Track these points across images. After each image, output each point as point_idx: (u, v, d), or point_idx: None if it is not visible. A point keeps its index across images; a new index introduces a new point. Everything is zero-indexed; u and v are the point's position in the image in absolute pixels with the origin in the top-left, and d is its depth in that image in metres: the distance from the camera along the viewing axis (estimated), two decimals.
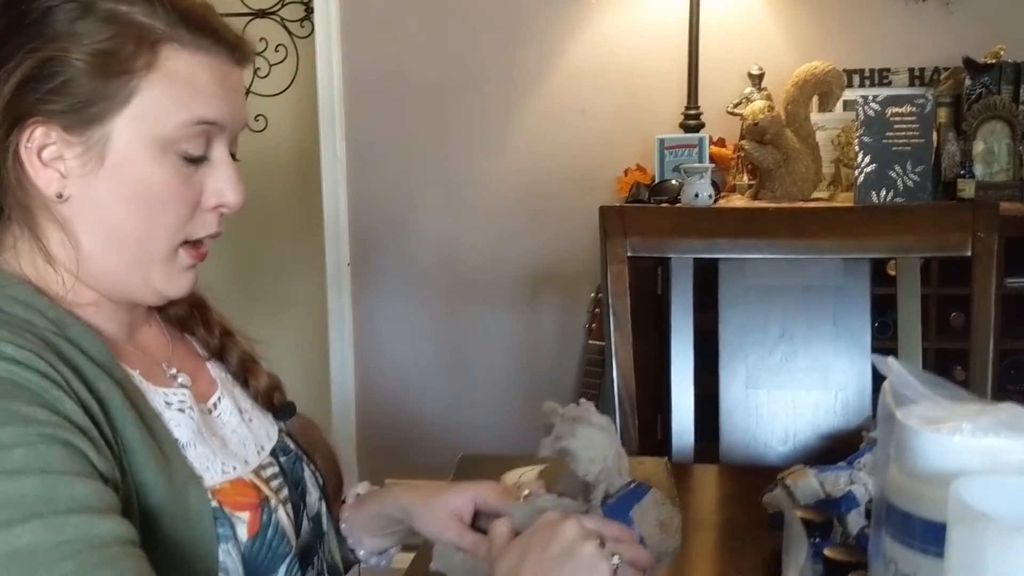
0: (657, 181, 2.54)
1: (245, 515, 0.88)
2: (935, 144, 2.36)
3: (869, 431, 1.25)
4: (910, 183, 2.30)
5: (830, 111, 2.55)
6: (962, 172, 2.38)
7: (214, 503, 0.86)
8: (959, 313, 2.28)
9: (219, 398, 0.97)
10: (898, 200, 2.30)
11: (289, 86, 3.57)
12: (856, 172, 2.33)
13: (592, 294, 2.80)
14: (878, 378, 1.49)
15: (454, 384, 3.04)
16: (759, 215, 1.79)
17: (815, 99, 2.50)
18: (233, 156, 0.90)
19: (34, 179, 0.82)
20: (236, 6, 3.43)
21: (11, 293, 0.82)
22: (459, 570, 0.94)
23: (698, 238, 1.53)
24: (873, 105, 2.30)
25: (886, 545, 0.63)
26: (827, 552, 0.88)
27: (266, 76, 3.58)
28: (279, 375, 1.07)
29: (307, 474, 1.02)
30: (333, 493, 1.08)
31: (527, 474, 1.24)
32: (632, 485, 0.93)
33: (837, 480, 1.10)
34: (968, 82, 2.44)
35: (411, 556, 1.09)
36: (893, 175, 2.31)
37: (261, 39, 3.54)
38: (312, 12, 3.26)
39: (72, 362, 0.79)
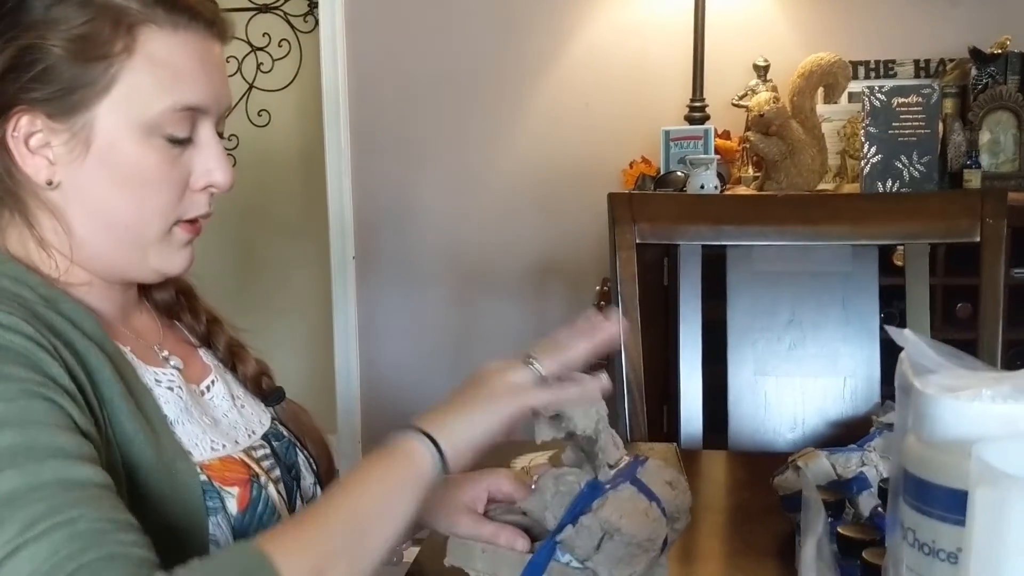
0: (663, 173, 2.54)
1: (234, 490, 0.88)
2: (941, 134, 2.36)
3: (879, 416, 1.25)
4: (916, 173, 2.30)
5: (835, 103, 2.55)
6: (968, 162, 2.38)
7: (203, 477, 0.86)
8: (965, 304, 2.28)
9: (212, 382, 0.98)
10: (904, 191, 2.30)
11: (292, 81, 3.58)
12: (862, 162, 2.32)
13: (597, 287, 2.80)
14: (887, 364, 1.50)
15: (459, 377, 3.01)
16: (767, 202, 1.79)
17: (820, 90, 2.50)
18: (221, 135, 0.91)
19: (23, 167, 0.83)
20: (239, 1, 3.43)
21: (2, 269, 0.82)
22: (479, 562, 0.93)
23: (706, 225, 1.53)
24: (879, 95, 2.30)
25: (904, 514, 0.63)
26: (841, 529, 0.88)
27: (269, 71, 3.58)
28: (284, 369, 1.08)
29: (301, 459, 1.02)
30: (324, 476, 1.08)
31: (536, 459, 1.24)
32: (631, 457, 0.94)
33: (848, 462, 1.09)
34: (974, 72, 2.44)
35: (416, 550, 1.08)
36: (899, 165, 2.30)
37: (264, 34, 3.54)
38: (315, 7, 3.26)
39: (62, 334, 0.80)
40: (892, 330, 0.69)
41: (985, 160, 2.41)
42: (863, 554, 0.83)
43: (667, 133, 2.58)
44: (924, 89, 2.31)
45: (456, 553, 0.95)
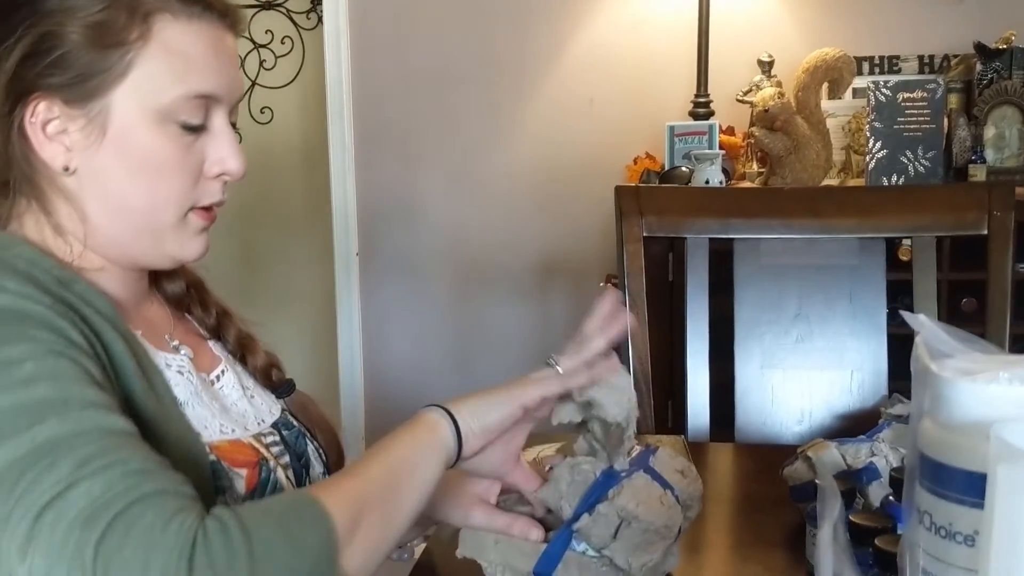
0: (667, 169, 2.54)
1: (243, 471, 0.89)
2: (946, 130, 2.35)
3: (887, 409, 1.25)
4: (921, 168, 2.30)
5: (840, 98, 2.55)
6: (973, 157, 2.38)
7: (212, 457, 0.87)
8: (971, 299, 2.28)
9: (222, 371, 0.99)
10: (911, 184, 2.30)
11: (295, 78, 3.58)
12: (867, 157, 2.32)
13: (601, 283, 2.80)
14: (894, 358, 1.50)
15: (463, 373, 3.04)
16: (774, 195, 1.79)
17: (825, 86, 2.50)
18: (233, 126, 0.92)
19: (40, 153, 0.84)
20: None
21: (16, 252, 0.83)
22: (491, 552, 0.93)
23: (713, 218, 1.53)
24: (884, 91, 2.30)
25: (920, 498, 0.63)
26: (853, 517, 0.88)
27: (272, 68, 3.59)
28: (287, 365, 1.08)
29: (311, 448, 1.02)
30: (334, 465, 1.08)
31: (545, 451, 1.24)
32: (642, 447, 0.94)
33: (858, 452, 1.09)
34: (979, 68, 2.44)
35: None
36: (904, 160, 2.30)
37: (267, 31, 3.55)
38: (318, 4, 3.26)
39: (77, 311, 0.81)
40: (907, 315, 0.69)
41: (990, 155, 2.41)
42: (875, 541, 0.83)
43: (672, 129, 2.58)
44: (929, 84, 2.31)
45: (468, 544, 0.95)
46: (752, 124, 2.52)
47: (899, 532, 0.85)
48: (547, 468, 0.96)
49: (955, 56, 2.60)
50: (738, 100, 2.65)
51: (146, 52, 0.83)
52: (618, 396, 0.90)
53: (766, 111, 2.42)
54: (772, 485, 1.17)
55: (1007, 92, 2.40)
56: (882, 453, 1.09)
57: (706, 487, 1.00)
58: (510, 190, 2.98)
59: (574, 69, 2.88)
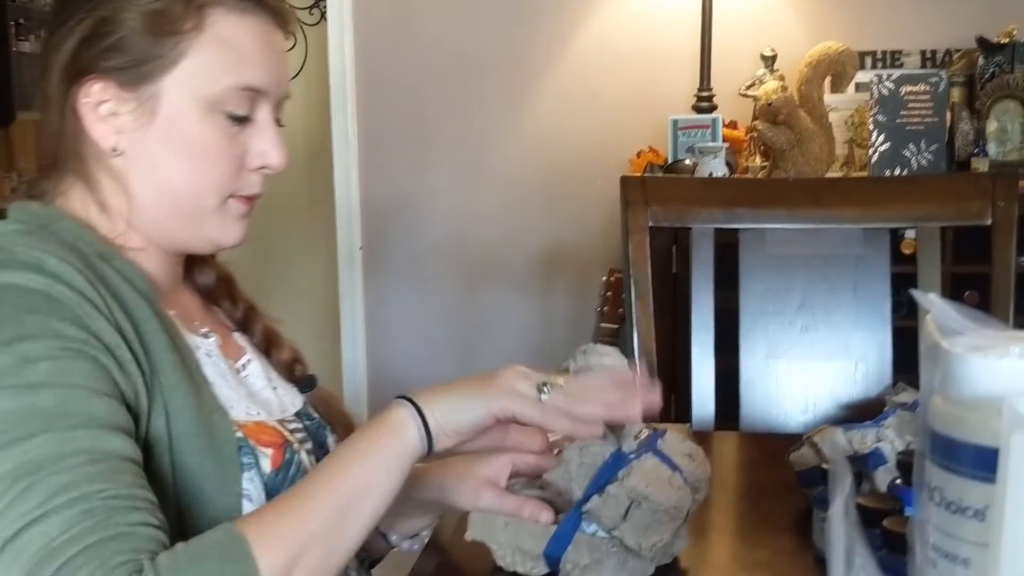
0: (671, 162, 2.54)
1: (268, 451, 0.90)
2: (948, 123, 2.36)
3: (892, 397, 1.26)
4: (924, 162, 2.31)
5: (843, 92, 2.56)
6: (976, 151, 2.38)
7: (239, 434, 0.88)
8: (973, 291, 2.28)
9: (248, 360, 1.00)
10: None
11: (298, 73, 3.58)
12: (870, 151, 2.33)
13: (604, 277, 2.80)
14: (898, 347, 1.50)
15: (466, 367, 3.04)
16: (779, 185, 1.79)
17: (828, 80, 2.51)
18: (278, 122, 0.94)
19: (90, 132, 0.87)
20: None
21: (62, 224, 0.87)
22: (501, 534, 0.94)
23: (719, 208, 1.53)
24: (887, 84, 2.31)
25: (930, 474, 0.63)
26: (861, 500, 0.88)
27: None
28: None
29: (331, 440, 1.03)
30: None
31: (552, 435, 1.24)
32: (650, 430, 0.94)
33: (864, 438, 1.10)
34: (981, 61, 2.44)
35: None
36: (907, 154, 2.31)
37: None
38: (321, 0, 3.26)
39: (112, 286, 0.83)
40: (917, 294, 0.70)
41: (992, 149, 2.41)
42: (884, 523, 0.83)
43: (675, 122, 2.58)
44: (932, 77, 2.32)
45: (478, 527, 0.95)
46: (755, 118, 2.52)
47: (906, 514, 0.85)
48: (556, 451, 0.96)
49: (957, 51, 2.61)
50: (741, 94, 2.65)
51: (199, 42, 0.86)
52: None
53: (769, 105, 2.42)
54: (778, 472, 1.17)
55: (1009, 86, 2.41)
56: (888, 439, 1.09)
57: (712, 474, 1.01)
58: (513, 184, 2.98)
59: (578, 63, 2.89)
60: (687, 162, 2.45)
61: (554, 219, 2.97)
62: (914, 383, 1.23)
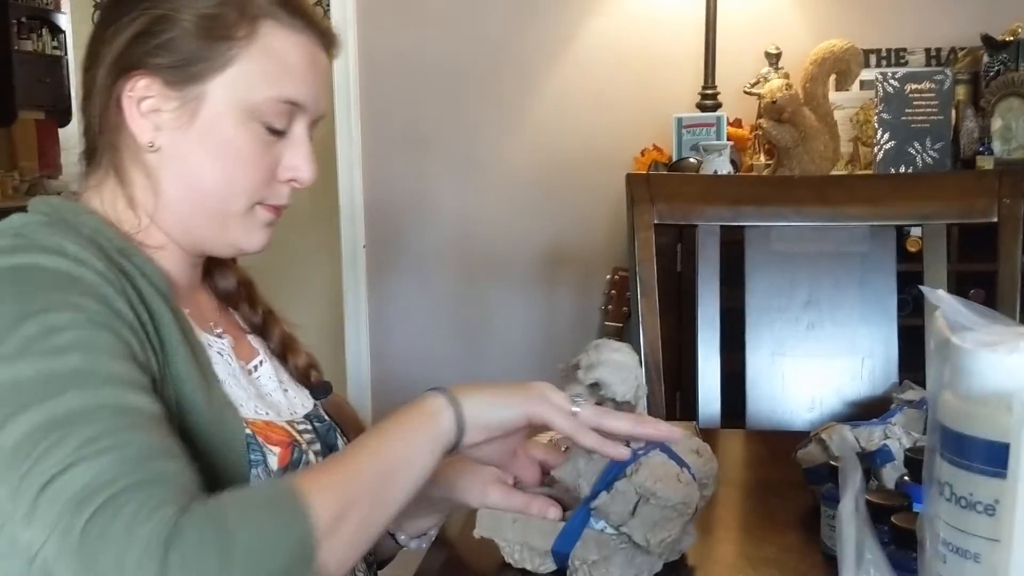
0: (675, 160, 2.54)
1: (276, 449, 0.91)
2: (953, 121, 2.36)
3: (899, 394, 1.26)
4: (929, 160, 2.30)
5: (847, 90, 2.56)
6: (980, 149, 2.38)
7: (247, 431, 0.89)
8: (978, 289, 2.28)
9: (260, 362, 1.01)
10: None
11: None
12: (875, 149, 2.33)
13: (608, 275, 2.80)
14: (904, 344, 1.50)
15: (470, 366, 3.05)
16: (785, 182, 1.79)
17: (832, 78, 2.51)
18: (311, 139, 0.97)
19: (130, 126, 0.89)
20: None
21: (83, 219, 0.88)
22: (509, 530, 0.94)
23: (724, 205, 1.53)
24: (892, 82, 2.31)
25: (940, 470, 0.63)
26: (869, 496, 0.88)
27: None
28: None
29: (340, 443, 1.04)
30: None
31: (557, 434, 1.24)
32: None
33: (871, 435, 1.10)
34: (986, 59, 2.44)
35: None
36: (912, 152, 2.31)
37: None
38: None
39: (131, 279, 0.85)
40: (927, 290, 0.70)
41: (997, 146, 2.41)
42: (892, 519, 0.84)
43: (679, 120, 2.58)
44: (937, 75, 2.32)
45: (486, 524, 0.95)
46: (760, 116, 2.53)
47: (915, 510, 0.85)
48: (563, 448, 0.97)
49: (962, 48, 2.60)
50: (746, 92, 2.65)
51: (248, 51, 0.89)
52: (624, 374, 0.91)
53: (774, 103, 2.42)
54: (784, 469, 1.17)
55: (1014, 84, 2.41)
56: (895, 436, 1.09)
57: (719, 471, 1.01)
58: (517, 182, 2.98)
59: (582, 62, 2.89)
60: (691, 160, 2.45)
61: (558, 218, 2.97)
62: (920, 381, 1.23)
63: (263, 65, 0.89)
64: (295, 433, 0.95)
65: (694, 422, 1.37)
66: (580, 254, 2.97)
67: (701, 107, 2.65)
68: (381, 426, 0.83)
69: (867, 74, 2.55)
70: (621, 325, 2.72)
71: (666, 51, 2.82)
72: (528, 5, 2.90)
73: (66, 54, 5.55)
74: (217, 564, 0.67)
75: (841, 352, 1.53)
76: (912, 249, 2.09)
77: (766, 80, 2.58)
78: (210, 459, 0.84)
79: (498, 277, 3.04)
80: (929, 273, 1.51)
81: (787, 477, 1.16)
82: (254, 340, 1.04)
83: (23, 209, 0.89)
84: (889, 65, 2.66)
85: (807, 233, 1.53)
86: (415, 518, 1.07)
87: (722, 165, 2.38)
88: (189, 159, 0.90)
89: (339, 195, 3.08)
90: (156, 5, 0.88)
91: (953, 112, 2.36)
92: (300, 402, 1.02)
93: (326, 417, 1.04)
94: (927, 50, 2.68)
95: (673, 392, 2.17)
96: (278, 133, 0.91)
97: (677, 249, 2.28)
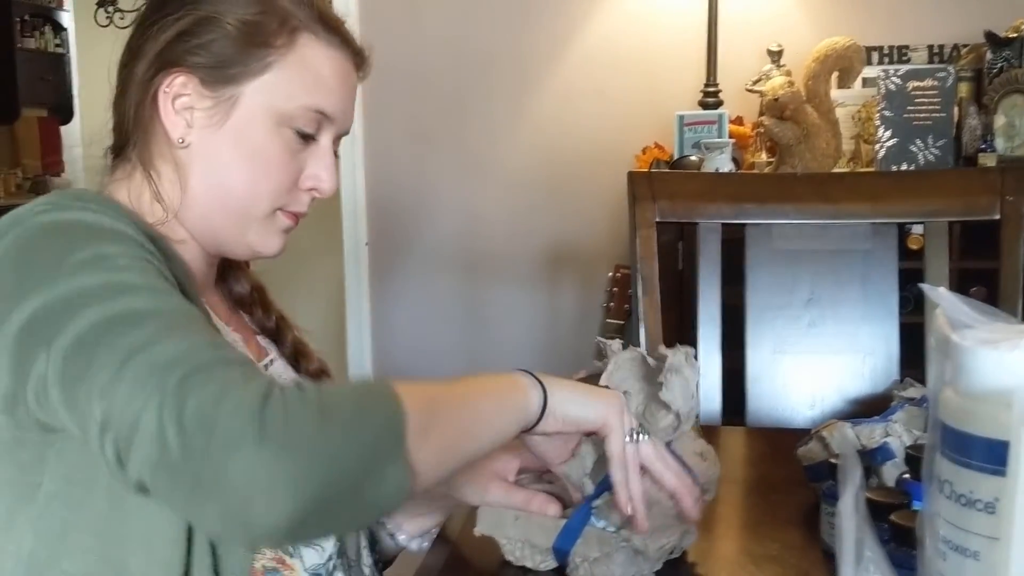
0: (676, 158, 2.54)
1: None
2: (956, 118, 2.36)
3: (900, 392, 1.26)
4: (931, 157, 2.30)
5: (849, 87, 2.55)
6: (983, 146, 2.38)
7: None
8: (980, 287, 2.27)
9: (271, 360, 1.03)
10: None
11: None
12: (877, 146, 2.33)
13: (610, 273, 2.80)
14: (905, 343, 1.50)
15: (472, 363, 3.05)
16: (787, 180, 1.79)
17: (835, 75, 2.50)
18: (335, 154, 0.99)
19: (163, 121, 0.91)
20: None
21: (111, 203, 0.88)
22: (510, 528, 0.94)
23: (726, 203, 1.53)
24: (895, 79, 2.30)
25: (940, 468, 0.63)
26: (869, 493, 0.88)
27: None
28: None
29: None
30: None
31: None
32: None
33: (872, 432, 1.10)
34: (989, 56, 2.44)
35: None
36: (914, 149, 2.31)
37: None
38: None
39: (161, 258, 0.85)
40: (927, 288, 0.70)
41: (1000, 144, 2.41)
42: (892, 516, 0.84)
43: (681, 118, 2.58)
44: (939, 73, 2.31)
45: (487, 521, 0.95)
46: (761, 113, 2.52)
47: (914, 508, 0.85)
48: (571, 446, 0.97)
49: (965, 45, 2.60)
50: (747, 90, 2.65)
51: (285, 60, 0.91)
52: (686, 390, 0.90)
53: (776, 100, 2.42)
54: (785, 467, 1.17)
55: (1017, 81, 2.40)
56: (896, 434, 1.09)
57: (720, 469, 1.01)
58: (519, 180, 2.98)
59: (583, 59, 2.89)
60: (693, 158, 2.45)
61: (560, 215, 2.97)
62: (921, 378, 1.23)
63: (298, 74, 0.92)
64: None
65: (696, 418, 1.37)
66: (582, 251, 2.97)
67: (703, 105, 2.65)
68: (479, 380, 0.84)
69: (869, 71, 2.55)
70: (623, 323, 2.72)
71: (668, 49, 2.81)
72: (530, 3, 2.90)
73: (68, 52, 5.55)
74: (315, 419, 0.66)
75: (842, 350, 1.53)
76: (914, 247, 2.08)
77: (768, 78, 2.58)
78: None
79: (500, 275, 3.04)
80: (931, 270, 1.51)
81: (788, 474, 1.16)
82: (263, 341, 1.05)
83: None
84: (892, 62, 2.66)
85: (808, 231, 1.53)
86: (415, 517, 1.07)
87: (724, 163, 2.38)
88: (218, 158, 0.92)
89: (341, 193, 3.07)
90: (201, 7, 0.90)
91: (956, 109, 2.35)
92: None
93: None
94: (930, 47, 2.67)
95: None
96: (307, 138, 0.94)
97: (679, 247, 2.28)
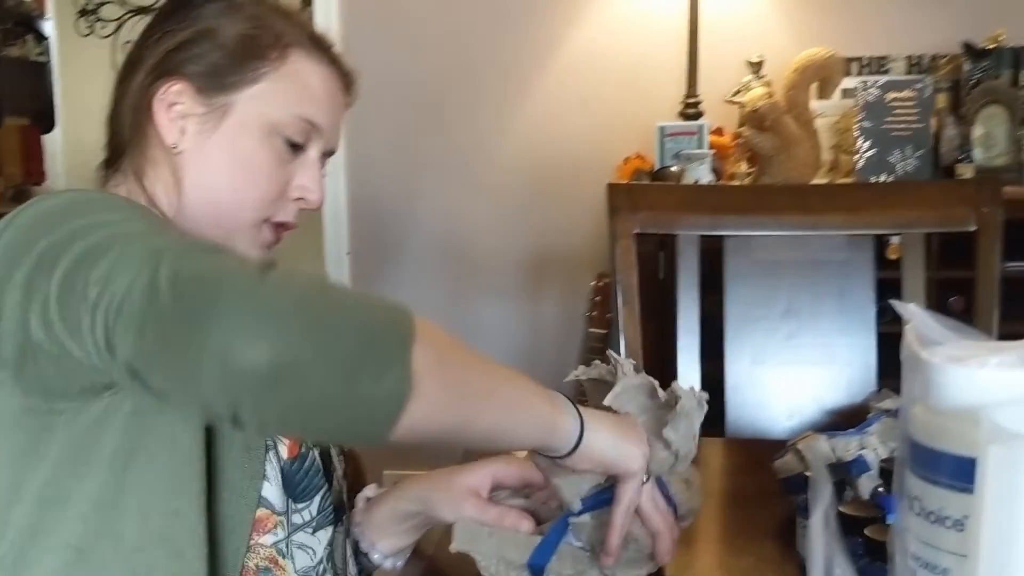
0: (657, 168, 2.55)
1: (285, 441, 0.93)
2: (934, 129, 2.37)
3: (876, 403, 1.26)
4: (909, 168, 2.32)
5: (829, 98, 2.57)
6: (961, 156, 2.40)
7: None
8: (958, 297, 2.29)
9: None
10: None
11: None
12: (856, 157, 2.34)
13: (593, 282, 2.81)
14: (883, 353, 1.51)
15: None
16: (765, 191, 1.80)
17: (814, 86, 2.52)
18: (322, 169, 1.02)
19: (158, 127, 0.94)
20: None
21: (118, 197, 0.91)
22: (485, 544, 0.93)
23: (705, 214, 1.54)
24: (873, 90, 2.32)
25: (910, 484, 0.63)
26: (843, 508, 0.88)
27: None
28: None
29: (334, 452, 1.05)
30: (351, 472, 1.09)
31: None
32: None
33: (848, 445, 1.10)
34: (967, 67, 2.46)
35: None
36: (892, 160, 2.32)
37: None
38: (309, 3, 3.26)
39: None
40: (897, 304, 0.70)
41: (978, 154, 2.43)
42: (865, 531, 0.84)
43: (662, 129, 2.59)
44: (917, 83, 2.33)
45: (462, 537, 0.95)
46: (741, 124, 2.53)
47: (888, 522, 0.86)
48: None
49: (943, 56, 2.62)
50: (728, 101, 2.66)
51: (277, 72, 0.95)
52: (689, 431, 0.89)
53: (755, 111, 2.43)
54: (763, 478, 1.17)
55: (995, 91, 2.42)
56: (872, 446, 1.09)
57: (701, 500, 1.00)
58: (502, 189, 2.98)
59: (566, 69, 2.89)
60: (674, 168, 2.46)
61: (543, 224, 2.97)
62: (899, 388, 1.23)
63: (290, 86, 0.96)
64: None
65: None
66: (565, 260, 2.97)
67: (684, 116, 2.66)
68: (511, 370, 0.80)
69: (849, 82, 2.57)
70: (606, 331, 2.73)
71: (649, 60, 2.82)
72: (513, 13, 2.91)
73: (50, 61, 5.52)
74: (318, 288, 0.67)
75: (820, 360, 1.53)
76: (892, 256, 2.09)
77: (748, 89, 2.59)
78: (225, 440, 0.86)
79: (483, 283, 3.04)
80: (907, 281, 1.51)
81: (766, 486, 1.16)
82: None
83: None
84: (871, 73, 2.67)
85: (787, 242, 1.54)
86: (390, 535, 1.06)
87: (704, 173, 2.39)
88: (209, 165, 0.94)
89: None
90: (200, 21, 0.95)
91: (934, 120, 2.37)
92: None
93: None
94: (908, 58, 2.69)
95: None
96: (296, 149, 0.97)
97: (659, 256, 2.28)
